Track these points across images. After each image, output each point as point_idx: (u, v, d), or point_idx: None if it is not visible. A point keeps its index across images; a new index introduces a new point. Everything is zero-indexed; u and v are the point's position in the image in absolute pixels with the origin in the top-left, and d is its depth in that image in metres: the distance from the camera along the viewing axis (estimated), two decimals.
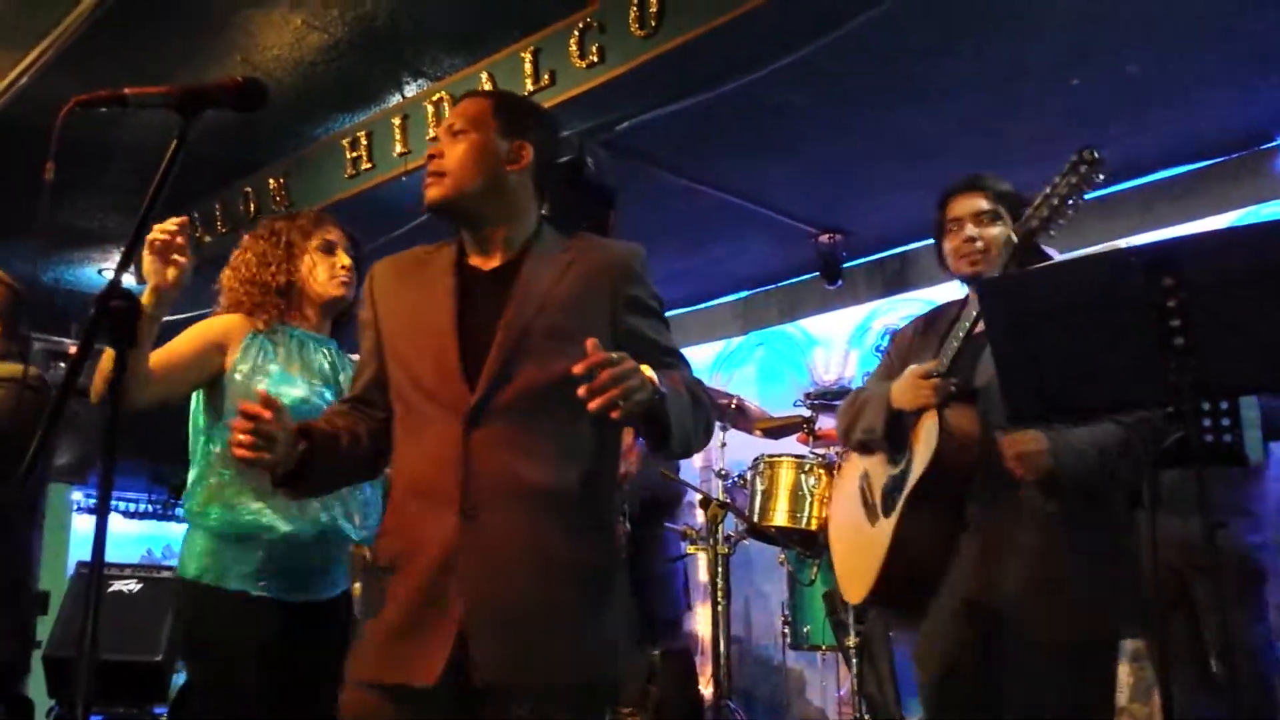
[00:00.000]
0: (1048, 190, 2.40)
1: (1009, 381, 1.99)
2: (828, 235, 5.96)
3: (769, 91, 4.38)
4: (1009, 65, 4.32)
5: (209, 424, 2.61)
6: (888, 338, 6.39)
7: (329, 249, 2.72)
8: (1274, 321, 1.72)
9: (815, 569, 4.60)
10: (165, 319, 2.37)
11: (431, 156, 2.00)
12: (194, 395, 2.64)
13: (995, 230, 2.61)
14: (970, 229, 2.61)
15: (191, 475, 2.61)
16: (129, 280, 1.65)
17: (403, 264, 2.10)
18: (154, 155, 1.70)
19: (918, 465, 2.49)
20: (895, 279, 6.27)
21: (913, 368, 2.56)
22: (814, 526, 4.38)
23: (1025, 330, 1.92)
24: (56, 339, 5.03)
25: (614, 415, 1.69)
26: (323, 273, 2.70)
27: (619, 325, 1.97)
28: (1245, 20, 4.00)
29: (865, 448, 2.74)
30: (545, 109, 2.55)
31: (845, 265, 6.08)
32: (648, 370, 1.77)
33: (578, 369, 1.67)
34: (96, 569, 1.54)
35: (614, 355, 1.71)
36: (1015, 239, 2.48)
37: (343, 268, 2.71)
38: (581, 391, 1.67)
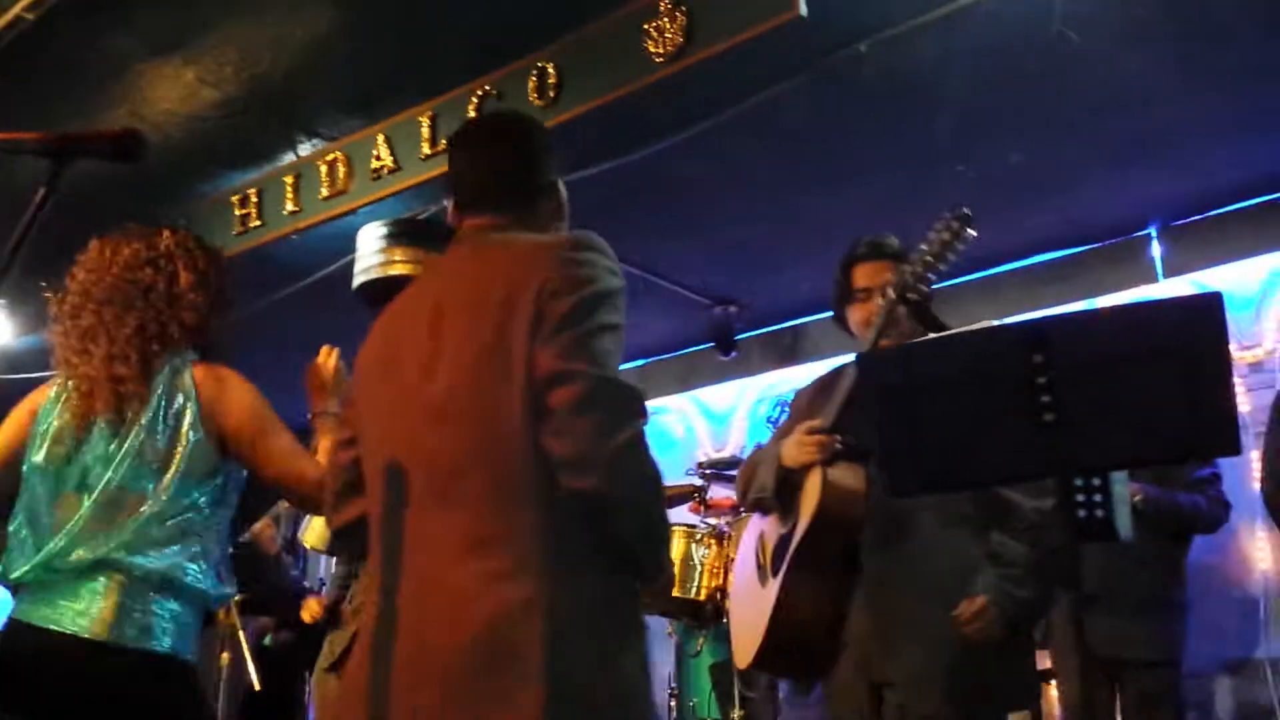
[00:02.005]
0: (923, 246, 2.49)
1: (888, 455, 2.01)
2: (722, 306, 6.03)
3: (668, 165, 4.44)
4: (904, 153, 4.47)
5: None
6: (777, 408, 6.46)
7: None
8: (1139, 399, 1.76)
9: (701, 640, 4.56)
10: None
11: None
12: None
13: None
14: (880, 299, 2.63)
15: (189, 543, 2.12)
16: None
17: None
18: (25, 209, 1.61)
19: (802, 523, 2.50)
20: (789, 352, 6.35)
21: (801, 425, 2.58)
22: (702, 596, 4.35)
23: (903, 404, 1.93)
24: None
25: None
26: None
27: None
28: (1120, 116, 4.21)
29: (760, 507, 2.74)
30: None
31: (740, 337, 6.14)
32: None
33: None
34: None
35: None
36: (893, 294, 2.54)
37: None
38: None
